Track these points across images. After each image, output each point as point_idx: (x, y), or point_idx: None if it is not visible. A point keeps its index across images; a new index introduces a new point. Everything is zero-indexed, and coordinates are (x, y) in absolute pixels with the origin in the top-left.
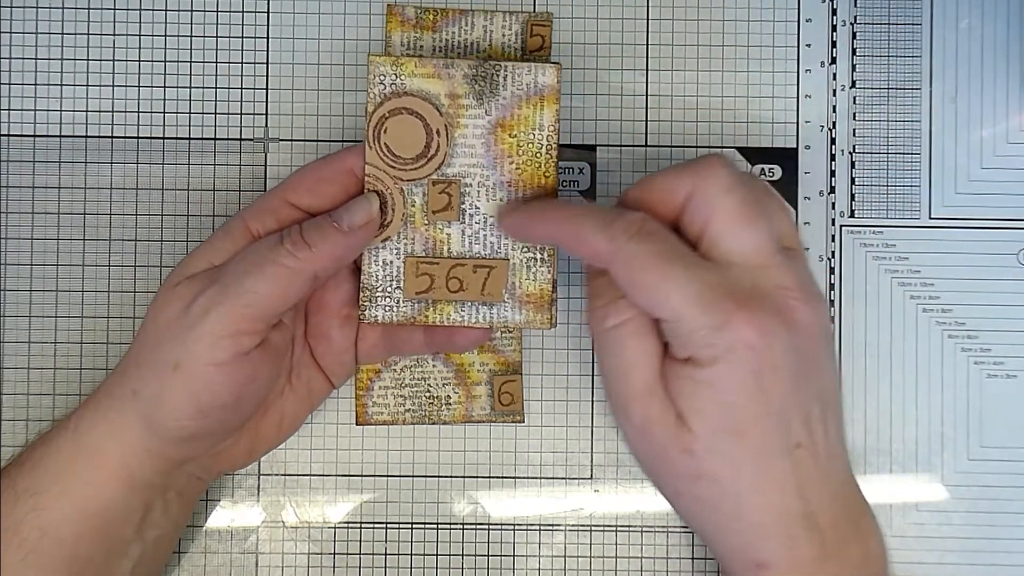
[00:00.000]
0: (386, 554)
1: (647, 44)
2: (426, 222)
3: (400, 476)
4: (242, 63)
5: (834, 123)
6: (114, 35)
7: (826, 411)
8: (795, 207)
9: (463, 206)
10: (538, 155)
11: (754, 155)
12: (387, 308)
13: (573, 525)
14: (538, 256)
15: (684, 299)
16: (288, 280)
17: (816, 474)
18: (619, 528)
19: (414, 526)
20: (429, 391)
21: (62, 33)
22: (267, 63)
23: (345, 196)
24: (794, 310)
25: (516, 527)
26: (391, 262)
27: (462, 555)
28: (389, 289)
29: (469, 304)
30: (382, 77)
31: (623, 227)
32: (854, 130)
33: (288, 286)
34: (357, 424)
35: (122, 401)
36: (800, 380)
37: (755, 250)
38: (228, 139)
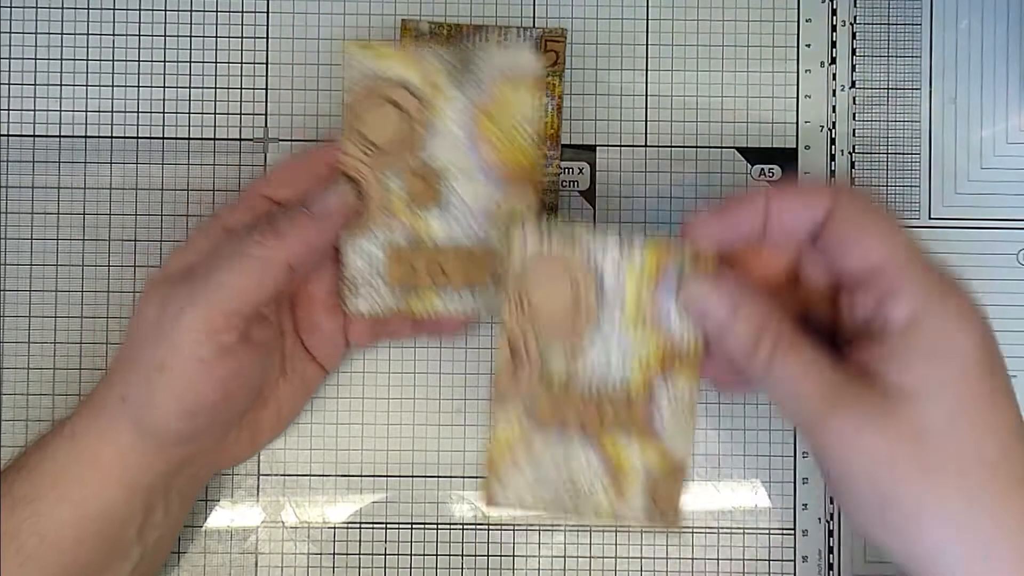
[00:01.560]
0: (386, 554)
1: (647, 44)
2: (407, 211)
3: (400, 476)
4: (242, 63)
5: (834, 123)
6: (114, 35)
7: None
8: None
9: (443, 191)
10: (517, 136)
11: (754, 155)
12: (370, 300)
13: (573, 525)
14: None
15: (908, 250)
16: (260, 271)
17: None
18: (619, 528)
19: (414, 526)
20: (572, 481)
21: (62, 33)
22: (267, 63)
23: (322, 189)
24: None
25: (516, 527)
26: (372, 253)
27: (462, 555)
28: (372, 281)
29: (453, 291)
30: (357, 64)
31: (840, 184)
32: (854, 130)
33: (261, 278)
34: (486, 504)
35: (112, 408)
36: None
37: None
38: (228, 139)
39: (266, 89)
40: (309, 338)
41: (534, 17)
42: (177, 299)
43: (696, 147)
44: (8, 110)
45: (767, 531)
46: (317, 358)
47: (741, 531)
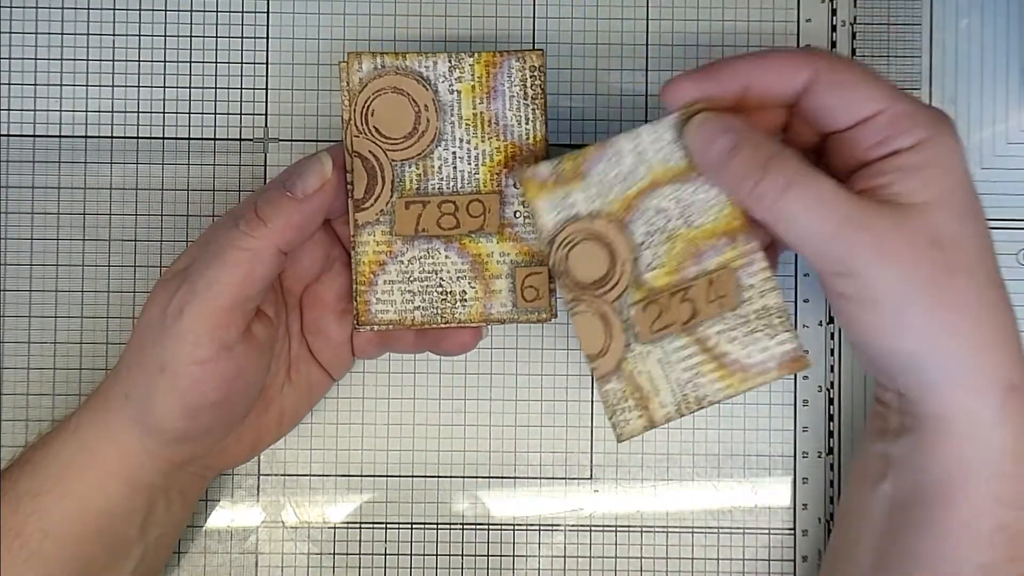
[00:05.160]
0: (386, 554)
1: (647, 44)
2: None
3: (400, 476)
4: (242, 63)
5: None
6: (114, 35)
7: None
8: None
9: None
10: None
11: None
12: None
13: (573, 525)
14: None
15: (891, 92)
16: (251, 262)
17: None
18: (619, 528)
19: (414, 526)
20: (441, 286)
21: (62, 33)
22: (267, 63)
23: (300, 167)
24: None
25: (516, 527)
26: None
27: (462, 555)
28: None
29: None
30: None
31: (817, 50)
32: None
33: (252, 268)
34: (358, 325)
35: (116, 404)
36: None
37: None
38: (228, 139)
39: (266, 89)
40: (315, 342)
41: (534, 17)
42: (177, 299)
43: None
44: (8, 110)
45: (767, 531)
46: (323, 364)
47: (741, 531)
